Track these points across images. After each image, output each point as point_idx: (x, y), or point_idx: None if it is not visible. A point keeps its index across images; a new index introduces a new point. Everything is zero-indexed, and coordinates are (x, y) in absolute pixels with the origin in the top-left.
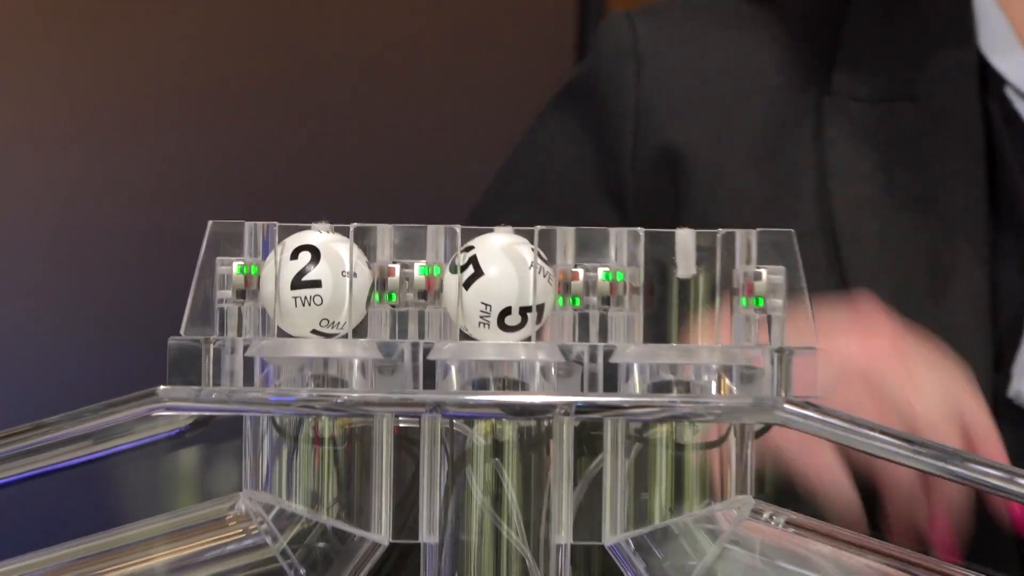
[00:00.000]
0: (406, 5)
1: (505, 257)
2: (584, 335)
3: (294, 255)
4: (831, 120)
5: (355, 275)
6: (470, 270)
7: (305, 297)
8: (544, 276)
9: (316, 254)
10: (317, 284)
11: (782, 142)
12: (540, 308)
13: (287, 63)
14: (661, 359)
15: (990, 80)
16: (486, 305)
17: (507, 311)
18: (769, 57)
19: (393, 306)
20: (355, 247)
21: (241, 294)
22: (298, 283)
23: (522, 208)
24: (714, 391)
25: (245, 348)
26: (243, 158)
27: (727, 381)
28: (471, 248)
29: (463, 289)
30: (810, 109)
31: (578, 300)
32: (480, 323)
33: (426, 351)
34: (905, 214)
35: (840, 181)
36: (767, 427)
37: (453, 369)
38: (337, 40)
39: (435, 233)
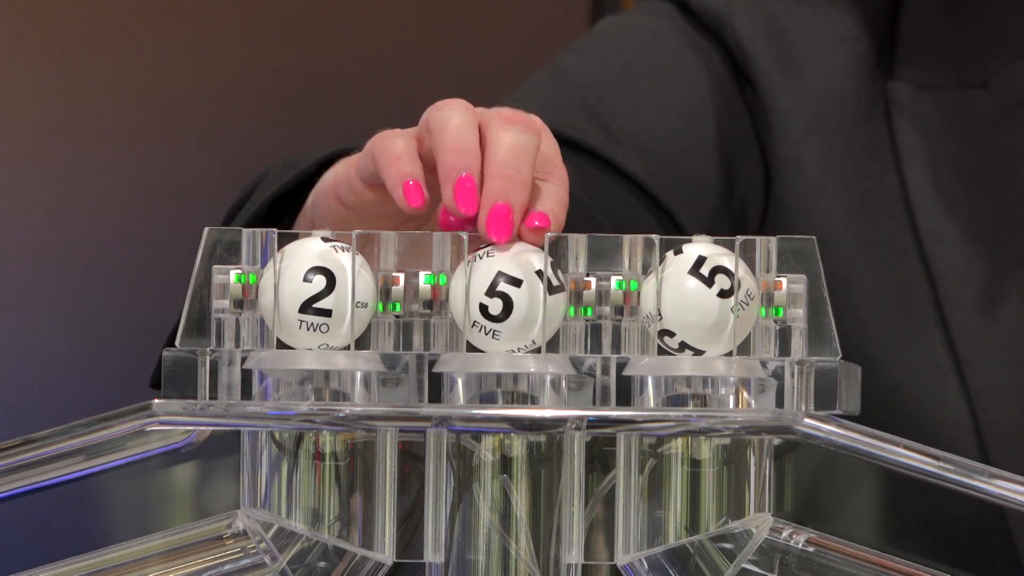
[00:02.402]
0: (411, 4)
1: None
2: (596, 346)
3: (307, 277)
4: (899, 107)
5: (364, 306)
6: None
7: (312, 323)
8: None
9: (331, 281)
10: (327, 313)
11: (858, 116)
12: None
13: (286, 63)
14: (676, 371)
15: None
16: None
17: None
18: (835, 31)
19: (397, 316)
20: (368, 269)
21: (239, 304)
22: (307, 308)
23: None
24: (732, 405)
25: (243, 360)
26: (241, 164)
27: (745, 394)
28: None
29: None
30: (878, 93)
31: (590, 310)
32: None
33: (431, 363)
34: (985, 206)
35: (916, 171)
36: (787, 442)
37: (460, 382)
38: (340, 39)
39: (441, 240)
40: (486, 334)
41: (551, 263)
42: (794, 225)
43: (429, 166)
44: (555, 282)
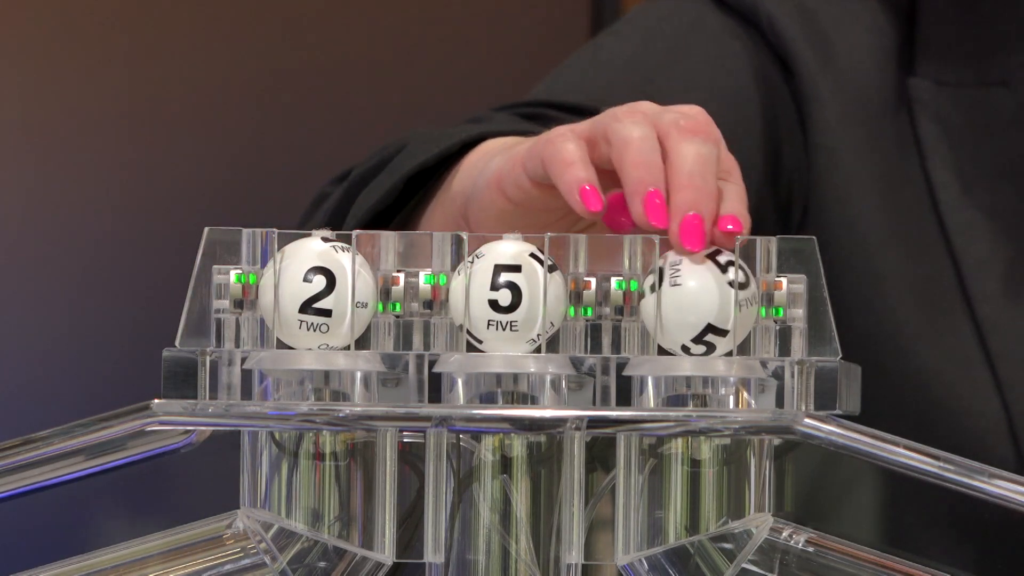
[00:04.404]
0: (412, 4)
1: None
2: (596, 346)
3: (307, 277)
4: (920, 103)
5: (364, 306)
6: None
7: (312, 323)
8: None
9: (331, 281)
10: (327, 313)
11: (884, 109)
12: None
13: (285, 65)
14: (676, 371)
15: None
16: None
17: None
18: (860, 23)
19: (397, 316)
20: (368, 269)
21: (239, 304)
22: (307, 308)
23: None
24: (732, 405)
25: (243, 360)
26: (241, 164)
27: (745, 394)
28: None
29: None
30: (900, 87)
31: (590, 310)
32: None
33: (431, 363)
34: (1008, 201)
35: (938, 165)
36: (787, 442)
37: (460, 382)
38: (339, 39)
39: (441, 240)
40: (502, 329)
41: (534, 251)
42: (833, 215)
43: (602, 172)
44: (549, 262)
